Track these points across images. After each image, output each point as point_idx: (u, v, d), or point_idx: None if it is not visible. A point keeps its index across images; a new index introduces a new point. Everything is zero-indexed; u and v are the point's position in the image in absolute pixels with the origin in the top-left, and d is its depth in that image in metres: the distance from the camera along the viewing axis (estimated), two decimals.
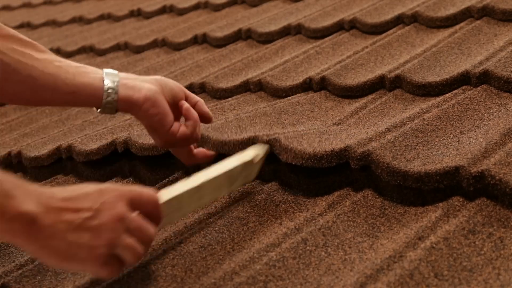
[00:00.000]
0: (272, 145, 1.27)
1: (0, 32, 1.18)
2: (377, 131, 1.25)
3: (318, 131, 1.34)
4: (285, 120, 1.46)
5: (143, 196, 1.01)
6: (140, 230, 0.98)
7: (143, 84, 1.25)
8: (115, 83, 1.23)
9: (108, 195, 0.96)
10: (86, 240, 0.91)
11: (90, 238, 0.92)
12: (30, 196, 0.89)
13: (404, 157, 1.14)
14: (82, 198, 0.94)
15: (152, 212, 1.02)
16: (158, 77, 1.31)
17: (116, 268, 0.97)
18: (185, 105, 1.29)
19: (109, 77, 1.23)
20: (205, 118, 1.34)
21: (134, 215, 0.98)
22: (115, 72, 1.25)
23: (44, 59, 1.20)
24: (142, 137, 1.50)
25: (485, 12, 1.75)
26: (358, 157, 1.17)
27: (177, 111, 1.30)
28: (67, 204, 0.92)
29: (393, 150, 1.16)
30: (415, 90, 1.47)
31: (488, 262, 0.93)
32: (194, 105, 1.32)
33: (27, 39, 1.22)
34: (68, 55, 2.74)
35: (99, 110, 1.25)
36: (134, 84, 1.25)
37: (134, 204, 0.99)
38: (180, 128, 1.28)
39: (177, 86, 1.31)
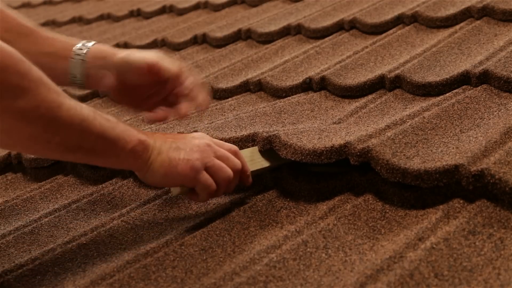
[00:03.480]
0: (272, 141, 1.27)
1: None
2: (377, 128, 1.25)
3: (318, 129, 1.34)
4: (285, 119, 1.46)
5: (223, 142, 1.25)
6: (227, 158, 1.20)
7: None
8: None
9: (196, 133, 1.23)
10: (183, 155, 1.15)
11: (186, 154, 1.16)
12: (140, 130, 1.14)
13: (404, 155, 1.14)
14: (176, 134, 1.21)
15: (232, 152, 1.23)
16: (128, 55, 1.31)
17: (209, 185, 1.17)
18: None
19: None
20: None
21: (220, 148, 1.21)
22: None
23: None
24: None
25: (485, 12, 1.75)
26: (358, 153, 1.17)
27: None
28: (166, 136, 1.18)
29: (393, 147, 1.16)
30: (415, 90, 1.48)
31: (488, 262, 0.93)
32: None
33: (28, 26, 1.29)
34: None
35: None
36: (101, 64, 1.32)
37: (217, 144, 1.22)
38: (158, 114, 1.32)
39: (141, 65, 1.30)
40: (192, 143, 1.17)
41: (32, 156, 1.64)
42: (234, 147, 1.25)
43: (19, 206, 1.46)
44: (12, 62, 0.97)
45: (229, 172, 1.19)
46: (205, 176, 1.17)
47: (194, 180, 1.16)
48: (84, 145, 1.06)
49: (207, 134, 1.39)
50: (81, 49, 1.31)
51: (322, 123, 1.43)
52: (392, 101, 1.47)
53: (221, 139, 1.36)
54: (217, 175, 1.18)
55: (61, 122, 1.02)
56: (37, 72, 1.00)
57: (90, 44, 1.33)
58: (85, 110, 1.05)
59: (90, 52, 1.31)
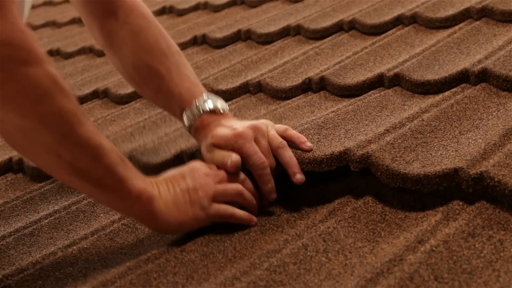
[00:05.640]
0: None
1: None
2: (376, 132, 1.25)
3: (316, 124, 1.35)
4: (285, 125, 1.46)
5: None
6: (229, 177, 1.20)
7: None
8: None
9: (193, 165, 1.20)
10: (188, 198, 1.15)
11: (191, 196, 1.15)
12: (145, 179, 1.13)
13: (404, 159, 1.14)
14: (177, 174, 1.18)
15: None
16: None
17: (224, 212, 1.17)
18: None
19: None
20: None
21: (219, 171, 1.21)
22: None
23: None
24: (145, 155, 1.51)
25: (484, 13, 1.75)
26: (358, 159, 1.17)
27: None
28: (167, 183, 1.16)
29: (392, 152, 1.17)
30: (414, 89, 1.48)
31: (488, 264, 0.93)
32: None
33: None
34: (68, 56, 2.75)
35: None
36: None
37: (213, 168, 1.21)
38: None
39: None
40: (193, 181, 1.17)
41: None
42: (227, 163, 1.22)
43: (19, 207, 1.46)
44: (47, 62, 1.00)
45: (235, 186, 1.19)
46: (216, 207, 1.17)
47: (208, 217, 1.16)
48: (92, 173, 1.06)
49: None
50: (197, 106, 1.33)
51: (320, 117, 1.43)
52: (391, 95, 1.48)
53: None
54: (226, 197, 1.18)
55: (77, 139, 1.02)
56: (66, 84, 1.02)
57: (205, 106, 1.32)
58: (104, 140, 1.06)
59: (198, 120, 1.32)
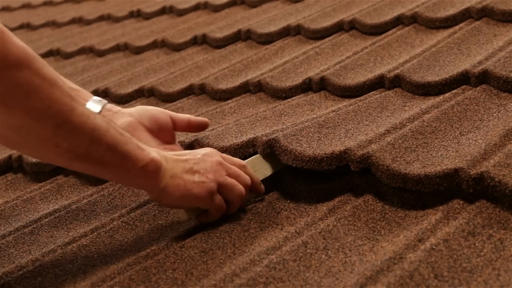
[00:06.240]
0: (272, 145, 1.28)
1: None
2: (376, 133, 1.25)
3: (316, 123, 1.35)
4: (285, 121, 1.47)
5: (231, 157, 1.27)
6: (238, 175, 1.21)
7: (123, 115, 1.34)
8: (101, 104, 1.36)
9: (206, 150, 1.22)
10: (197, 178, 1.16)
11: (200, 176, 1.16)
12: (151, 149, 1.14)
13: (404, 160, 1.14)
14: (188, 153, 1.21)
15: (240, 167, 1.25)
16: (138, 106, 1.39)
17: (222, 206, 1.19)
18: None
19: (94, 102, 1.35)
20: (202, 126, 1.40)
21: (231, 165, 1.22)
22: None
23: None
24: None
25: (484, 13, 1.75)
26: (358, 159, 1.17)
27: (165, 134, 1.37)
28: (178, 157, 1.18)
29: (392, 153, 1.17)
30: (414, 90, 1.48)
31: (488, 263, 0.93)
32: (187, 124, 1.38)
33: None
34: (68, 56, 2.75)
35: None
36: (118, 109, 1.36)
37: (226, 159, 1.23)
38: None
39: (159, 111, 1.38)
40: (205, 163, 1.18)
41: (33, 160, 1.63)
42: (242, 162, 1.25)
43: (19, 207, 1.46)
44: (26, 59, 0.97)
45: (242, 189, 1.20)
46: (219, 197, 1.18)
47: (210, 202, 1.17)
48: (93, 155, 1.06)
49: (208, 142, 1.41)
50: (100, 100, 1.36)
51: (320, 115, 1.43)
52: (392, 97, 1.48)
53: (222, 148, 1.36)
54: (231, 194, 1.19)
55: (72, 126, 1.02)
56: (51, 72, 1.01)
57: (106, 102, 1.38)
58: (98, 120, 1.06)
59: (107, 106, 1.35)
